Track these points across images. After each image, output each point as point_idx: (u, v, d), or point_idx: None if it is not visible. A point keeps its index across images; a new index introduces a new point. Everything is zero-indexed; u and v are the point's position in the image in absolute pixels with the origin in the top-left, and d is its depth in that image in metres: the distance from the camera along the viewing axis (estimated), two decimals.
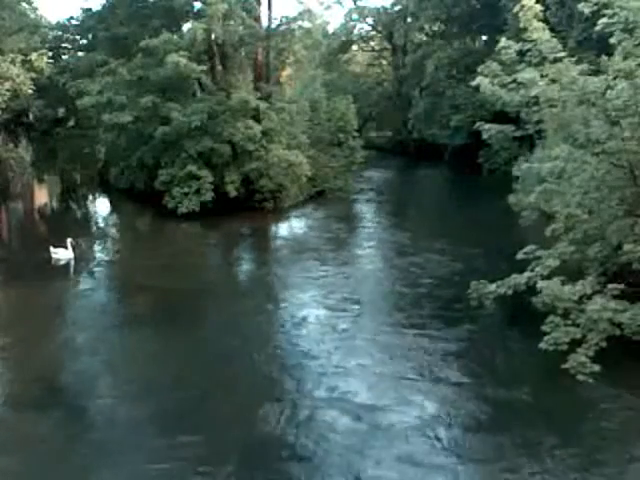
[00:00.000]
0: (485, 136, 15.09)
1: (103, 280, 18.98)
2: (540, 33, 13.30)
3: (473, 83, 14.38)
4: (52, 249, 18.99)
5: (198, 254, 21.88)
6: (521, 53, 13.62)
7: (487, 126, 14.80)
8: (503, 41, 13.82)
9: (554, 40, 13.37)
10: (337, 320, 14.35)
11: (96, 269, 19.52)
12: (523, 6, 13.58)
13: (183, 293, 16.21)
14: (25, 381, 11.72)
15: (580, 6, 13.13)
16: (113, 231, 27.15)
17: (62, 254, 18.90)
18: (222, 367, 12.25)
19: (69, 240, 18.96)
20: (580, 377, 10.47)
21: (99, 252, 22.02)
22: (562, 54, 13.14)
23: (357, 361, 12.31)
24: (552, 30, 13.94)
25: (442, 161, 41.08)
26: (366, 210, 30.08)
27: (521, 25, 13.64)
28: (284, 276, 18.52)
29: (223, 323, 14.56)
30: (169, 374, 11.77)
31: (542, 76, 12.97)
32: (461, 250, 19.16)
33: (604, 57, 14.27)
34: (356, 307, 15.20)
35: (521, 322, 13.31)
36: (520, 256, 13.15)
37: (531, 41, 13.35)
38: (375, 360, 12.37)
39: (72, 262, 18.87)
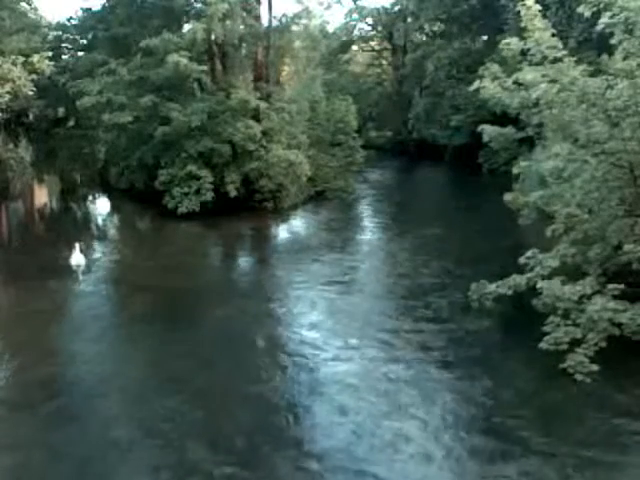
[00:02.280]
0: (486, 139, 15.09)
1: (106, 281, 18.93)
2: (541, 33, 13.30)
3: (472, 87, 14.30)
4: (77, 251, 18.87)
5: (198, 254, 21.88)
6: (522, 52, 13.62)
7: (488, 128, 14.79)
8: (506, 39, 13.83)
9: (554, 40, 13.37)
10: (331, 350, 13.13)
11: (98, 270, 19.48)
12: (524, 5, 13.59)
13: (181, 294, 16.28)
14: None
15: (580, 9, 13.12)
16: (113, 231, 27.15)
17: (78, 257, 18.89)
18: (203, 396, 11.18)
19: (77, 243, 19.02)
20: (578, 377, 10.51)
21: (100, 253, 21.94)
22: (563, 53, 13.14)
23: (357, 404, 10.87)
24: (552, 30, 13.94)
25: (442, 161, 40.94)
26: (366, 211, 30.03)
27: (523, 24, 13.64)
28: (280, 285, 18.23)
29: (218, 330, 14.47)
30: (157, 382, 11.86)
31: (543, 76, 12.97)
32: (461, 269, 17.76)
33: (604, 57, 14.27)
34: (352, 335, 13.80)
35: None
36: (523, 260, 13.13)
37: (532, 41, 13.35)
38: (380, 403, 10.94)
39: (81, 264, 18.94)
